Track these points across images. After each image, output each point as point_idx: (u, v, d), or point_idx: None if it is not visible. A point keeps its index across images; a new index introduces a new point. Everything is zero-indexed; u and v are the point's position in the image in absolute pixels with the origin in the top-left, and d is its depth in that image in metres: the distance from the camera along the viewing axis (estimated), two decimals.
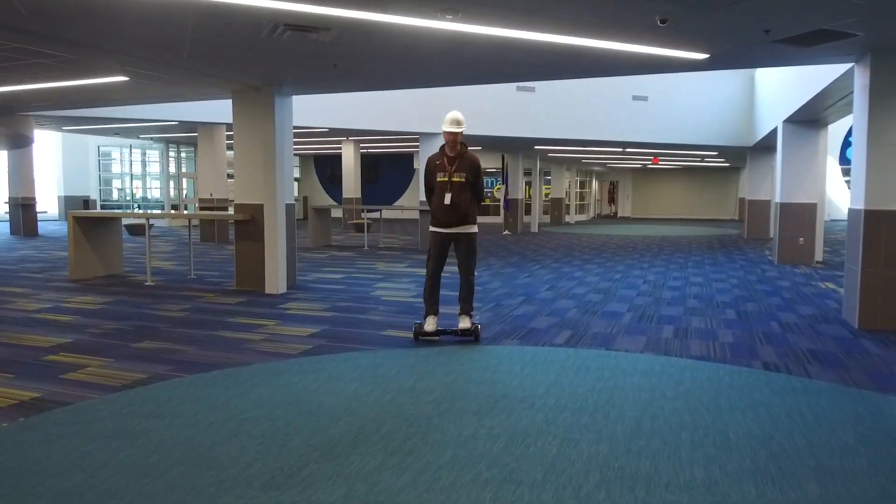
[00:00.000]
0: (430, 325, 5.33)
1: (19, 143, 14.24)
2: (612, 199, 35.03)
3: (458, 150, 5.26)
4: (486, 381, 4.17)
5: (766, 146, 16.83)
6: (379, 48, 5.88)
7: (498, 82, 9.02)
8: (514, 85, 13.98)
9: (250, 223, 7.91)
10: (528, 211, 22.07)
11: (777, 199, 11.49)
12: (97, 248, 9.17)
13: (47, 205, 26.74)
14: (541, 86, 14.31)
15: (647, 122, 15.78)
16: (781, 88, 11.50)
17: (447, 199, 5.19)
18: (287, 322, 6.03)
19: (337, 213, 25.73)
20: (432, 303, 5.36)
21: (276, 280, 7.65)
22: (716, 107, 16.31)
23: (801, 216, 11.22)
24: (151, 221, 9.90)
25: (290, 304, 7.00)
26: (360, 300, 7.22)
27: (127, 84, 7.62)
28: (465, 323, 5.28)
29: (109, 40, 5.69)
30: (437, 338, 5.31)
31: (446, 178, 5.22)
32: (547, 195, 26.51)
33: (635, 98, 15.50)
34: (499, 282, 8.73)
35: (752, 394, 3.93)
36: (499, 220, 24.16)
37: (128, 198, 25.82)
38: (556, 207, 25.56)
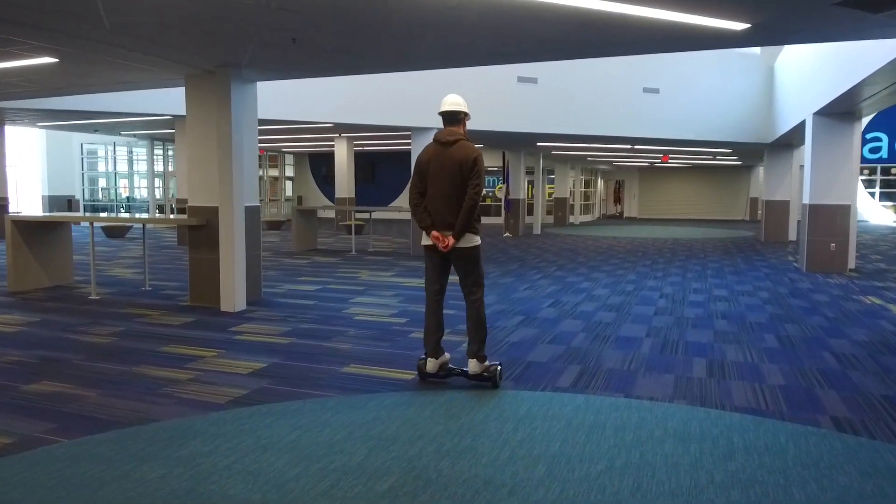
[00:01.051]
0: (431, 366, 4.20)
1: None
2: (617, 199, 33.84)
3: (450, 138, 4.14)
4: (464, 454, 3.06)
5: (785, 143, 15.70)
6: (343, 15, 4.78)
7: (498, 63, 7.79)
8: (514, 76, 12.86)
9: (205, 229, 6.82)
10: (530, 211, 20.95)
11: (806, 199, 10.36)
12: (42, 257, 8.10)
13: (32, 205, 25.79)
14: (543, 77, 13.19)
15: (659, 117, 14.63)
16: (811, 77, 10.36)
17: (436, 202, 4.09)
18: (232, 352, 4.94)
19: (331, 213, 24.66)
20: (429, 343, 4.18)
21: (232, 295, 6.56)
22: (732, 101, 15.17)
23: (832, 219, 10.09)
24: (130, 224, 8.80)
25: (245, 325, 5.91)
26: (328, 320, 6.12)
27: (59, 68, 6.54)
28: (473, 366, 4.14)
29: (21, 13, 4.61)
30: (444, 380, 4.24)
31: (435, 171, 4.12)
32: (550, 195, 25.37)
33: (646, 90, 14.36)
34: (495, 295, 7.62)
35: (836, 476, 2.82)
36: (499, 220, 23.05)
37: (114, 198, 24.79)
38: (559, 208, 24.42)
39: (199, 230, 6.87)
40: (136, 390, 4.01)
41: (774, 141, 15.26)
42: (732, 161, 25.73)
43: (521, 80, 12.95)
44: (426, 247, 4.15)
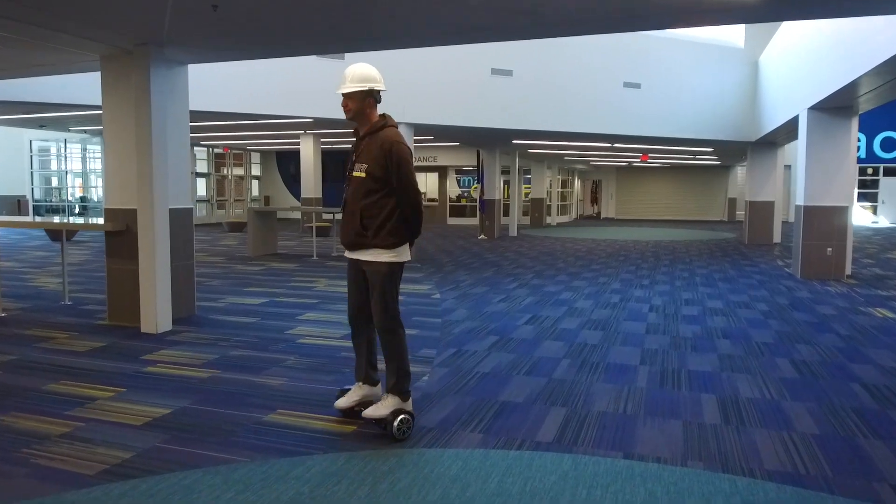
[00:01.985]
0: (342, 399, 3.47)
1: None
2: (594, 200, 33.21)
3: (367, 125, 3.30)
4: None
5: (770, 141, 15.06)
6: None
7: (478, 41, 6.78)
8: (488, 67, 11.98)
9: (124, 235, 5.81)
10: (506, 212, 20.12)
11: (799, 201, 9.65)
12: None
13: None
14: (518, 69, 12.33)
15: (640, 113, 13.86)
16: (807, 71, 9.65)
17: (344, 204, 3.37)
18: (134, 391, 3.97)
19: (298, 214, 23.56)
20: (356, 363, 3.53)
21: (154, 314, 5.56)
22: (715, 97, 14.48)
23: (828, 222, 9.39)
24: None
25: (163, 352, 4.93)
26: (266, 344, 5.17)
27: None
28: (377, 408, 3.29)
29: None
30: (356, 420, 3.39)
31: (360, 173, 3.29)
32: (527, 195, 24.58)
33: (627, 85, 13.59)
34: (465, 308, 6.74)
35: None
36: (474, 222, 22.22)
37: (68, 198, 23.39)
38: (536, 208, 23.63)
39: (117, 237, 5.86)
40: None
41: (759, 139, 14.62)
42: (711, 161, 25.22)
43: (495, 72, 12.07)
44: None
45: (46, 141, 22.86)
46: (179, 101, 5.96)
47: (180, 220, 5.98)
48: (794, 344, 5.35)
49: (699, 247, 15.15)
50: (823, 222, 9.39)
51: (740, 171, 28.76)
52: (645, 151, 20.19)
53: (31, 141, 22.58)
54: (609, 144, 17.30)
